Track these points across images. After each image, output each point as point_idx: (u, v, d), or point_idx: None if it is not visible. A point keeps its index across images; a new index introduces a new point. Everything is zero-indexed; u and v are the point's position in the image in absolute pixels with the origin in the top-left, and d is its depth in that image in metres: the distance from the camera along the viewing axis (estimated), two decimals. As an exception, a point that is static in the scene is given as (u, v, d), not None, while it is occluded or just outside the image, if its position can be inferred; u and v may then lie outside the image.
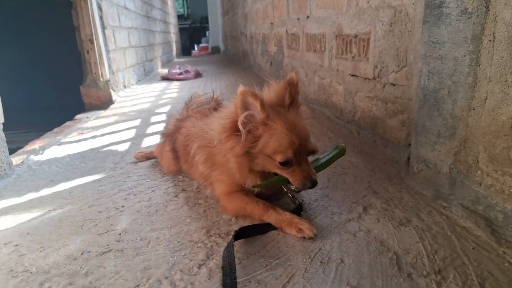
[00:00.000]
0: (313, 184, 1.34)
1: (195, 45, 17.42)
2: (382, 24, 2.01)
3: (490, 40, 1.25)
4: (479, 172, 1.36)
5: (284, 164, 1.33)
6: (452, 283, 1.06)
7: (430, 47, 1.45)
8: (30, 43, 6.67)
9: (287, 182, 1.40)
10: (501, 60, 1.21)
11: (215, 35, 15.00)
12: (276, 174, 1.41)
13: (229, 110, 1.39)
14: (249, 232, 1.37)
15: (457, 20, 1.34)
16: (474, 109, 1.34)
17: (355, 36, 2.38)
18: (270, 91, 1.41)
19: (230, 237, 1.34)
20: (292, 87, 1.38)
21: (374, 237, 1.32)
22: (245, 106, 1.29)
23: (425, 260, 1.17)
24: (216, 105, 2.08)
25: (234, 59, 9.91)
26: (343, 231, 1.38)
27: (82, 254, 1.31)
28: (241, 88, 1.27)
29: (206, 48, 15.53)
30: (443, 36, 1.39)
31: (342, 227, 1.40)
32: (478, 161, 1.36)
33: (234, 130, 1.34)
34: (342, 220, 1.45)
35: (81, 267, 1.23)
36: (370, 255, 1.22)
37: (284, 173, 1.37)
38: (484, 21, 1.26)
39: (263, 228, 1.40)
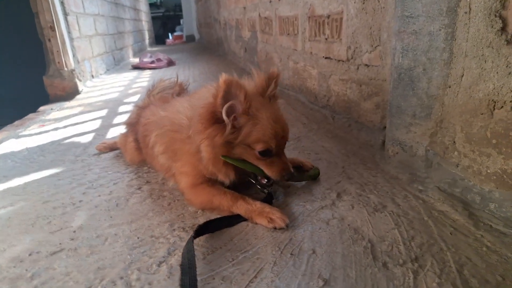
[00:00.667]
0: (290, 176, 1.35)
1: (169, 34, 16.88)
2: (355, 2, 1.92)
3: (466, 12, 1.18)
4: (456, 153, 1.31)
5: (264, 154, 1.29)
6: (430, 271, 1.00)
7: (404, 22, 1.37)
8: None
9: (257, 173, 1.37)
10: (478, 33, 1.15)
11: (189, 23, 14.56)
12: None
13: (206, 98, 1.29)
14: (215, 226, 1.27)
15: (431, -8, 1.26)
16: (450, 87, 1.28)
17: (328, 17, 2.29)
18: (251, 82, 1.34)
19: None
20: (274, 81, 1.35)
21: (348, 225, 1.25)
22: (227, 96, 1.21)
23: (401, 248, 1.11)
24: (180, 90, 1.95)
25: (209, 46, 9.67)
26: (315, 219, 1.30)
27: (30, 255, 1.18)
28: (224, 77, 1.18)
29: (181, 36, 15.07)
30: (417, 10, 1.31)
31: (314, 215, 1.32)
32: (454, 142, 1.31)
33: (212, 120, 1.25)
34: (315, 208, 1.38)
35: (26, 270, 1.10)
36: (343, 244, 1.15)
37: (261, 164, 1.33)
38: (459, -8, 1.19)
39: (231, 220, 1.30)
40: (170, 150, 1.46)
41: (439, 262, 1.03)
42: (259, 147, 1.27)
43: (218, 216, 1.32)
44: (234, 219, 1.31)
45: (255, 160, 1.32)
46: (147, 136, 1.60)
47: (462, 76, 1.23)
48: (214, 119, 1.25)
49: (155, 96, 1.86)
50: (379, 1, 1.72)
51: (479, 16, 1.13)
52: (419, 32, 1.33)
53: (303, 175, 1.60)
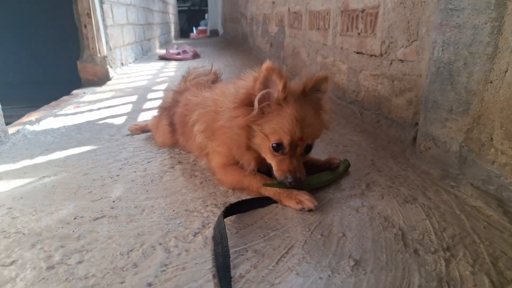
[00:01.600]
0: (295, 181, 1.26)
1: (194, 28, 17.07)
2: (394, -3, 1.91)
3: (514, 6, 1.16)
4: (492, 150, 1.30)
5: (276, 148, 1.27)
6: (462, 260, 1.01)
7: (447, 14, 1.36)
8: (26, 16, 6.47)
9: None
10: (525, 27, 1.13)
11: (214, 18, 14.69)
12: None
13: (247, 81, 1.32)
14: (245, 206, 1.30)
15: (478, -15, 1.25)
16: (491, 82, 1.27)
17: (362, 11, 2.28)
18: (299, 80, 1.33)
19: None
20: (321, 82, 1.33)
21: (377, 213, 1.26)
22: (266, 83, 1.24)
23: (433, 237, 1.12)
24: (214, 78, 2.00)
25: (233, 41, 9.73)
26: (344, 206, 1.32)
27: (75, 219, 1.25)
28: (268, 63, 1.21)
29: (205, 31, 15.22)
30: (463, 2, 1.30)
31: (344, 203, 1.34)
32: (492, 139, 1.30)
33: (245, 103, 1.28)
34: (344, 196, 1.39)
35: (73, 231, 1.17)
36: (373, 230, 1.17)
37: (273, 160, 1.31)
38: (508, -14, 1.18)
39: (261, 202, 1.33)
40: (209, 129, 1.51)
41: (472, 253, 1.04)
42: (273, 139, 1.26)
43: (248, 197, 1.36)
44: (264, 201, 1.34)
45: (268, 153, 1.31)
46: (187, 116, 1.65)
47: (506, 71, 1.22)
48: (248, 101, 1.28)
49: (191, 82, 1.91)
50: (419, -4, 1.71)
51: (528, 10, 1.12)
52: (462, 25, 1.32)
53: (333, 172, 1.51)
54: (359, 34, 2.38)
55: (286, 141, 1.26)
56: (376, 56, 2.18)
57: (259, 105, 1.24)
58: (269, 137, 1.27)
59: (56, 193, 1.44)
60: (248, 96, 1.28)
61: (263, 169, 1.43)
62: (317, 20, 3.15)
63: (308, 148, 1.35)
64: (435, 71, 1.47)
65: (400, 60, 1.93)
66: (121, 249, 1.07)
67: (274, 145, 1.27)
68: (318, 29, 3.15)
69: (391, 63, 2.03)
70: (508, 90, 1.21)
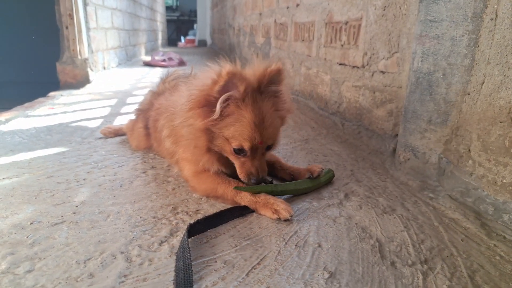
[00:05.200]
0: (258, 181, 1.30)
1: (182, 37, 17.08)
2: (375, 8, 1.93)
3: (492, 19, 1.17)
4: (470, 162, 1.29)
5: (238, 152, 1.27)
6: (440, 273, 0.97)
7: (427, 26, 1.36)
8: (5, 16, 6.28)
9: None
10: (503, 40, 1.14)
11: (202, 28, 14.75)
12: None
13: (202, 81, 1.25)
14: (213, 223, 1.18)
15: (457, -3, 1.26)
16: (469, 94, 1.27)
17: (346, 23, 2.29)
18: (251, 70, 1.26)
19: (198, 216, 1.22)
20: (276, 75, 1.25)
21: (355, 224, 1.22)
22: (227, 86, 1.18)
23: (411, 249, 1.08)
24: (194, 81, 1.94)
25: (221, 52, 9.74)
26: (322, 215, 1.27)
27: (31, 224, 1.16)
28: (229, 67, 1.15)
29: (193, 41, 15.23)
30: (441, 14, 1.31)
31: (321, 212, 1.30)
32: (470, 150, 1.29)
33: (202, 104, 1.22)
34: (321, 205, 1.35)
35: (27, 237, 1.08)
36: (350, 241, 1.12)
37: (236, 162, 1.31)
38: (486, -2, 1.18)
39: (231, 214, 1.25)
40: (174, 134, 1.45)
41: (449, 266, 1.00)
42: (234, 144, 1.24)
43: (216, 212, 1.24)
44: (235, 212, 1.26)
45: (230, 155, 1.30)
46: (157, 121, 1.59)
47: (483, 83, 1.22)
48: (205, 103, 1.22)
49: (170, 83, 1.86)
50: (400, 8, 1.72)
51: (506, 23, 1.13)
52: (441, 36, 1.32)
53: (313, 181, 1.46)
54: (342, 45, 2.39)
55: (246, 147, 1.25)
56: (358, 67, 2.19)
57: (220, 108, 1.19)
58: (230, 141, 1.25)
59: (15, 196, 1.34)
60: (205, 97, 1.22)
61: (230, 169, 1.38)
62: (302, 32, 3.16)
63: (269, 147, 1.34)
64: (414, 81, 1.46)
65: (382, 71, 1.93)
66: (78, 257, 0.98)
67: (235, 149, 1.26)
68: (303, 40, 3.16)
69: (372, 75, 2.03)
70: (485, 102, 1.20)
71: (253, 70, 1.24)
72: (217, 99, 1.19)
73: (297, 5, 3.24)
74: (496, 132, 1.18)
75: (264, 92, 1.26)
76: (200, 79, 1.30)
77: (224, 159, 1.36)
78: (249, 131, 1.22)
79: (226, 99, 1.20)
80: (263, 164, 1.33)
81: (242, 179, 1.32)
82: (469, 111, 1.28)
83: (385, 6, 1.83)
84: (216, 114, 1.20)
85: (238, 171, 1.32)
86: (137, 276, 0.92)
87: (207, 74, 1.25)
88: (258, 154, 1.30)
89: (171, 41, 15.60)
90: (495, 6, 1.15)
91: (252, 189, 1.31)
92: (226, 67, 1.16)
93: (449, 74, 1.31)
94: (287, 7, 3.56)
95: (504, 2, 1.12)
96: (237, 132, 1.22)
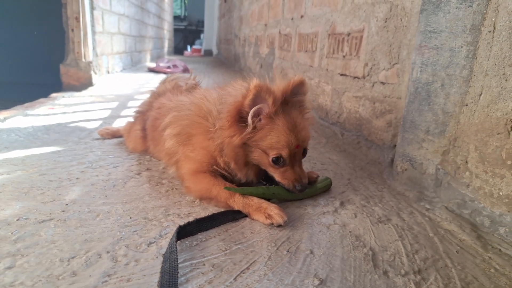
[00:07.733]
0: (303, 188, 1.31)
1: (188, 47, 17.27)
2: (377, 20, 1.93)
3: (490, 31, 1.17)
4: (467, 173, 1.27)
5: (276, 161, 1.27)
6: (433, 284, 0.94)
7: (426, 36, 1.36)
8: (12, 17, 6.36)
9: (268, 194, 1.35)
10: (501, 52, 1.13)
11: (209, 38, 14.92)
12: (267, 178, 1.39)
13: (235, 96, 1.30)
14: (204, 226, 1.17)
15: (456, 8, 1.26)
16: (467, 105, 1.25)
17: (348, 34, 2.30)
18: (275, 86, 1.32)
19: (190, 218, 1.20)
20: (299, 87, 1.33)
21: (349, 232, 1.20)
22: (256, 99, 1.23)
23: (404, 259, 1.05)
24: (193, 85, 1.95)
25: (226, 62, 9.83)
26: (316, 222, 1.25)
27: (17, 220, 1.14)
28: (255, 82, 1.21)
29: (199, 50, 15.39)
30: (440, 25, 1.31)
31: (315, 219, 1.27)
32: (467, 162, 1.27)
33: (236, 118, 1.27)
34: (316, 212, 1.33)
35: (12, 233, 1.06)
36: (343, 248, 1.09)
37: (275, 173, 1.32)
38: (485, 10, 1.18)
39: (223, 217, 1.23)
40: (184, 133, 1.44)
41: (443, 277, 0.97)
42: (272, 154, 1.26)
43: (208, 215, 1.22)
44: (227, 216, 1.24)
45: (269, 167, 1.31)
46: (158, 120, 1.59)
47: (481, 94, 1.20)
48: (239, 118, 1.27)
49: (170, 83, 1.87)
50: (401, 20, 1.73)
51: (504, 35, 1.12)
52: (440, 47, 1.32)
53: (313, 188, 1.47)
54: (344, 56, 2.39)
55: (285, 154, 1.26)
56: (359, 78, 2.18)
57: (252, 121, 1.24)
58: (268, 152, 1.27)
59: (4, 192, 1.32)
60: (238, 112, 1.27)
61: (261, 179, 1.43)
62: (306, 43, 3.18)
63: (305, 151, 1.37)
64: (413, 91, 1.45)
65: (382, 82, 1.92)
66: (62, 255, 0.96)
67: (274, 158, 1.27)
68: (306, 51, 3.17)
69: (373, 85, 2.02)
70: (483, 113, 1.19)
71: (277, 84, 1.31)
72: (248, 113, 1.24)
73: (302, 16, 3.27)
74: (493, 144, 1.17)
75: (290, 102, 1.31)
76: (230, 93, 1.37)
77: (259, 172, 1.39)
78: (285, 137, 1.25)
79: (258, 113, 1.25)
80: (303, 170, 1.35)
81: (285, 186, 1.31)
82: (466, 122, 1.26)
83: (386, 18, 1.84)
84: (249, 127, 1.24)
85: (279, 179, 1.32)
86: (121, 276, 0.90)
87: (236, 88, 1.35)
88: (296, 161, 1.31)
89: (178, 50, 15.79)
90: (493, 19, 1.15)
91: (243, 190, 1.30)
92: (253, 81, 1.22)
93: (448, 84, 1.31)
94: (292, 18, 3.59)
95: (501, 15, 1.12)
96: (273, 140, 1.25)
